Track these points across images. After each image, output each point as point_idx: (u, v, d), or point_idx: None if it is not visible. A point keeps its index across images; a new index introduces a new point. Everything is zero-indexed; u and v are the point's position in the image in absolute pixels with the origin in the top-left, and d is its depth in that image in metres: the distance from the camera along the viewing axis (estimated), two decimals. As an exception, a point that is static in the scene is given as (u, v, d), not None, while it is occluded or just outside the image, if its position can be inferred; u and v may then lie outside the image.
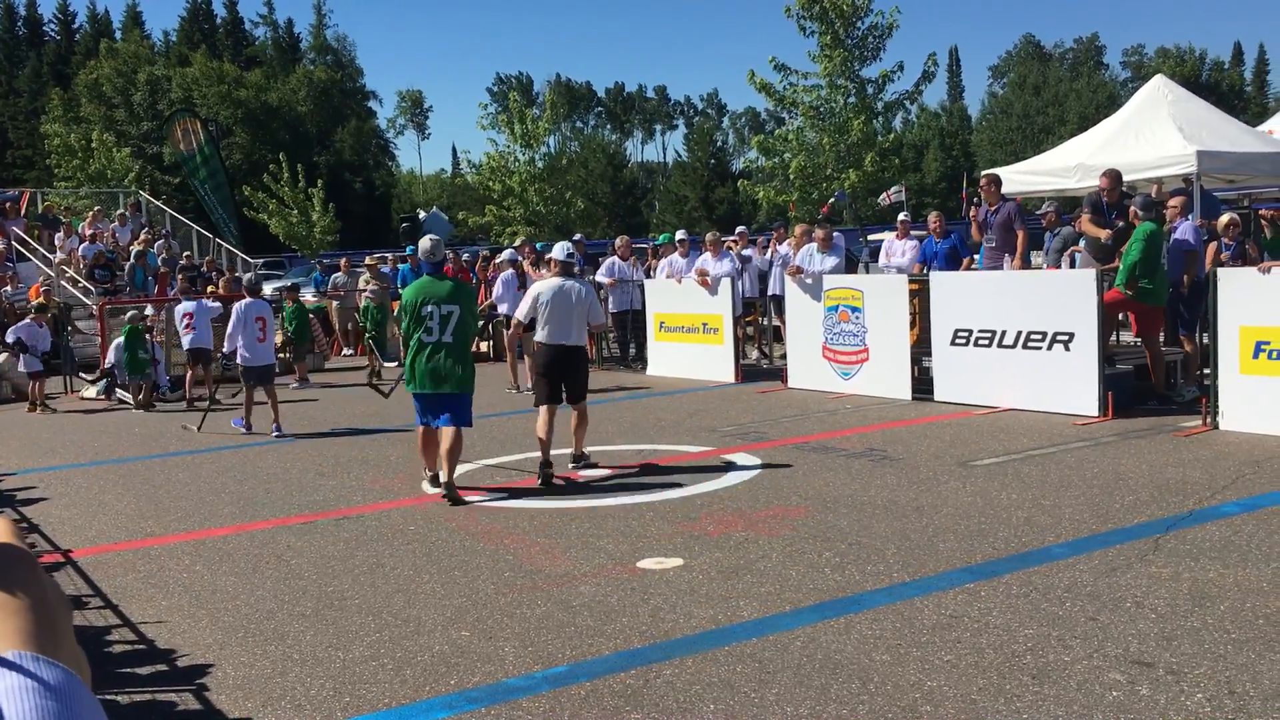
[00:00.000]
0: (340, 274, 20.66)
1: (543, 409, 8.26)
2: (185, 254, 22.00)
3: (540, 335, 8.43)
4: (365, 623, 5.11)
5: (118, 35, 69.11)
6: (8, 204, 24.34)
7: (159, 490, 8.70)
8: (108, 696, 4.34)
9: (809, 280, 12.38)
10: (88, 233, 22.02)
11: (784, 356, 13.22)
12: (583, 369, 8.54)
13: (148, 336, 14.78)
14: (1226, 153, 13.58)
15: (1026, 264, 11.90)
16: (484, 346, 18.24)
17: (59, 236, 22.71)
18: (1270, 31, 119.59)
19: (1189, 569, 5.24)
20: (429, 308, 7.70)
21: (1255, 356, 8.52)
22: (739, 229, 18.30)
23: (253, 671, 4.58)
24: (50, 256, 21.78)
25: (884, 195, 23.27)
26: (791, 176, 23.88)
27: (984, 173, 13.47)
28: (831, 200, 21.99)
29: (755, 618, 4.88)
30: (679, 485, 7.73)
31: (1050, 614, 4.71)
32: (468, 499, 7.60)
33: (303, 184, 38.19)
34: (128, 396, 14.58)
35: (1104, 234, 10.67)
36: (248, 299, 11.50)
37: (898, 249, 13.86)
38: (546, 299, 8.33)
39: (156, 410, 14.07)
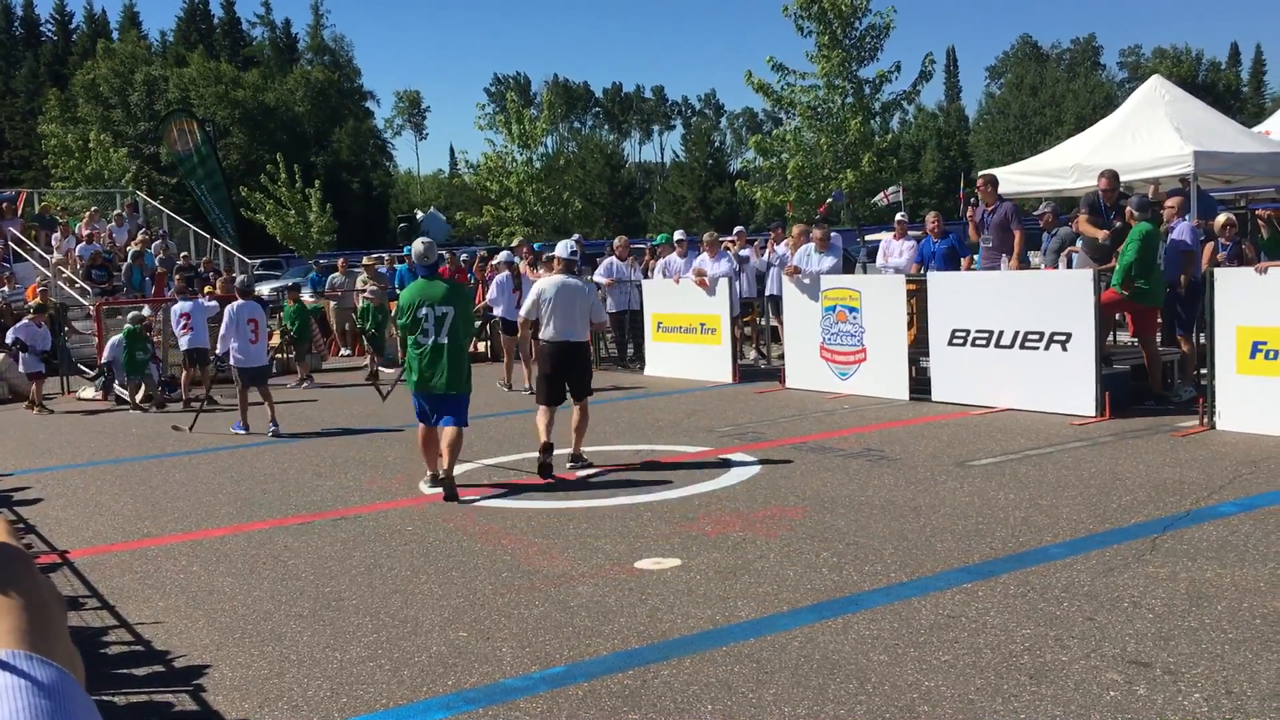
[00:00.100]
0: (338, 274, 20.65)
1: (542, 408, 8.33)
2: (182, 254, 21.97)
3: (545, 333, 8.46)
4: (362, 623, 5.11)
5: (114, 35, 69.08)
6: (4, 204, 24.30)
7: (156, 491, 8.69)
8: (104, 697, 4.34)
9: (806, 280, 12.39)
10: (84, 233, 21.99)
11: (781, 357, 13.22)
12: (586, 366, 8.65)
13: (148, 335, 14.78)
14: (1223, 153, 13.59)
15: (1024, 264, 11.91)
16: (481, 347, 18.24)
17: (56, 237, 22.69)
18: (1267, 32, 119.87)
19: (1186, 569, 5.24)
20: (424, 309, 7.82)
21: (1252, 356, 8.52)
22: (737, 229, 18.30)
23: (250, 672, 4.58)
24: (47, 257, 21.74)
25: (881, 195, 23.26)
26: (789, 177, 23.88)
27: (981, 173, 13.48)
28: (829, 200, 21.98)
29: (753, 618, 4.88)
30: (677, 485, 7.73)
31: (1048, 614, 4.72)
32: (465, 498, 7.60)
33: (300, 184, 38.20)
34: (125, 394, 14.57)
35: (1102, 234, 10.69)
36: (239, 301, 11.52)
37: (895, 249, 13.86)
38: (550, 295, 8.37)
39: (166, 410, 14.05)
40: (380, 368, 16.31)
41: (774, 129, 27.21)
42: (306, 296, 20.61)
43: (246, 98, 57.88)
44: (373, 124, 76.03)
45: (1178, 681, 3.95)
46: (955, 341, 10.62)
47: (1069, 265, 12.35)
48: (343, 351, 20.78)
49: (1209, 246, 11.12)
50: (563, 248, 8.75)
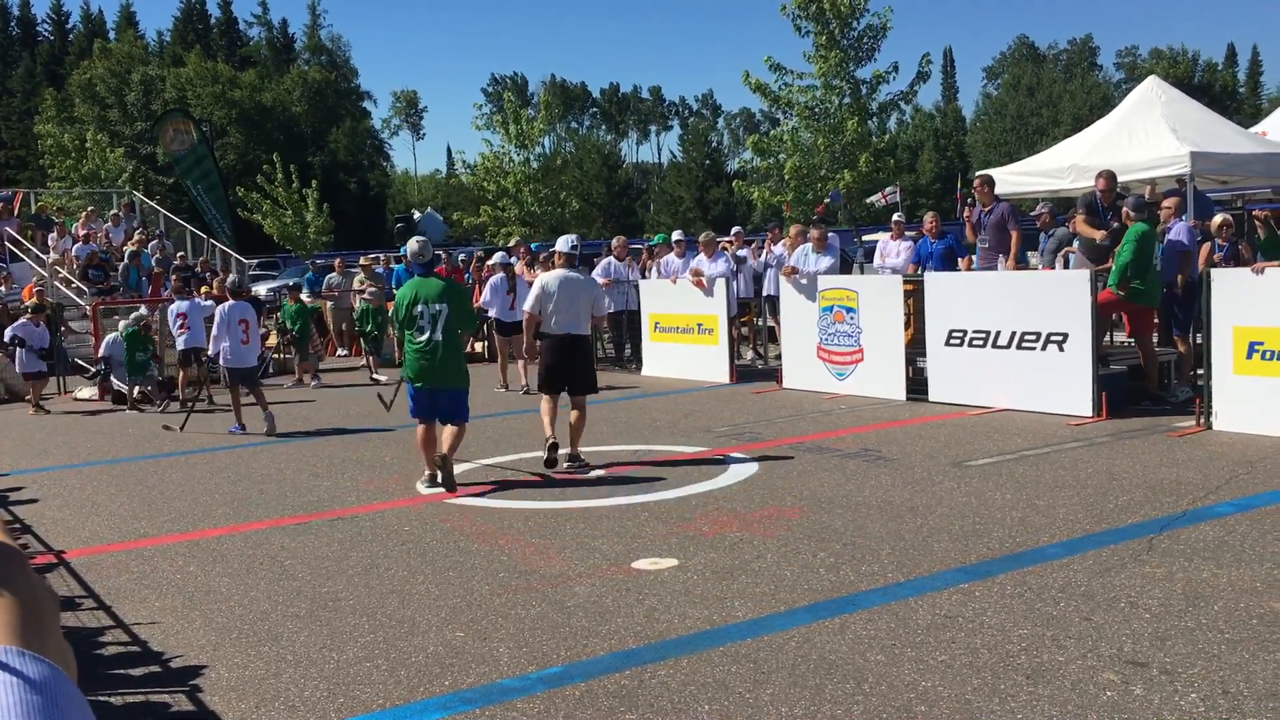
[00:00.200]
0: (335, 274, 20.64)
1: (545, 397, 8.52)
2: (179, 254, 21.97)
3: (548, 327, 8.52)
4: (359, 623, 5.10)
5: (111, 35, 69.05)
6: (1, 204, 24.28)
7: (152, 491, 8.67)
8: (101, 698, 4.33)
9: (804, 281, 12.39)
10: (81, 233, 21.96)
11: (779, 357, 13.23)
12: (589, 360, 8.77)
13: (148, 335, 14.77)
14: (1220, 154, 13.62)
15: (1022, 264, 11.92)
16: (479, 347, 18.23)
17: (52, 237, 22.65)
18: (1263, 33, 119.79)
19: (1183, 569, 5.25)
20: (420, 307, 7.99)
21: (1249, 357, 8.53)
22: (734, 229, 18.32)
23: (246, 673, 4.57)
24: (44, 257, 21.72)
25: (878, 196, 23.29)
26: (786, 177, 23.87)
27: (978, 173, 13.49)
28: (826, 201, 22.00)
29: (750, 618, 4.87)
30: (674, 485, 7.73)
31: (1045, 614, 4.72)
32: (462, 496, 7.60)
33: (297, 184, 38.16)
34: (124, 387, 14.55)
35: (1099, 235, 10.70)
36: (230, 301, 11.56)
37: (892, 249, 13.87)
38: (553, 289, 8.47)
39: (166, 411, 14.02)
40: (376, 376, 16.26)
41: (771, 129, 27.20)
42: (303, 297, 20.59)
43: (243, 98, 57.85)
44: (370, 124, 76.02)
45: (1174, 681, 3.95)
46: (952, 342, 10.63)
47: (1066, 266, 12.35)
48: (340, 352, 20.76)
49: (1206, 247, 11.14)
50: (564, 242, 8.87)
